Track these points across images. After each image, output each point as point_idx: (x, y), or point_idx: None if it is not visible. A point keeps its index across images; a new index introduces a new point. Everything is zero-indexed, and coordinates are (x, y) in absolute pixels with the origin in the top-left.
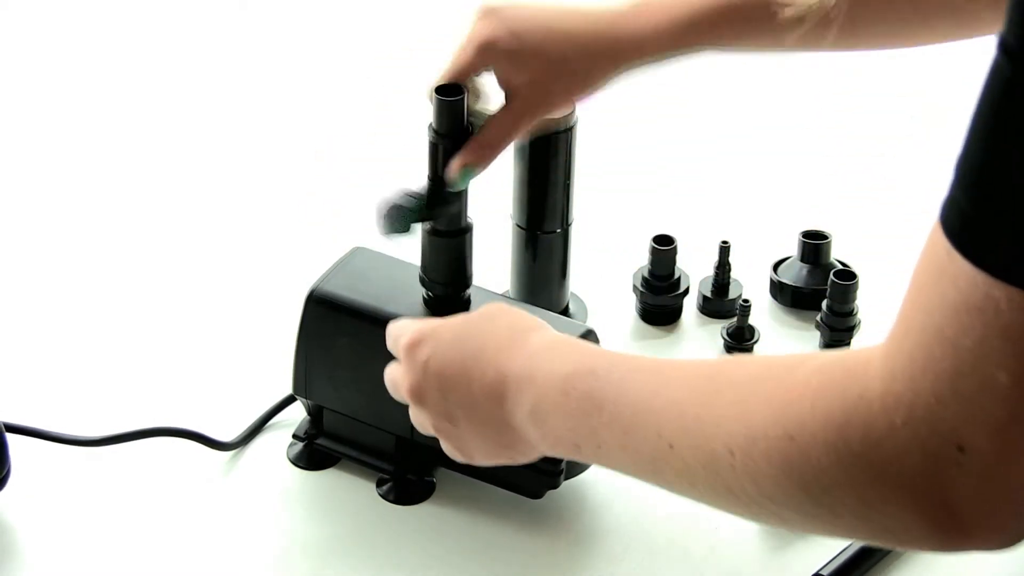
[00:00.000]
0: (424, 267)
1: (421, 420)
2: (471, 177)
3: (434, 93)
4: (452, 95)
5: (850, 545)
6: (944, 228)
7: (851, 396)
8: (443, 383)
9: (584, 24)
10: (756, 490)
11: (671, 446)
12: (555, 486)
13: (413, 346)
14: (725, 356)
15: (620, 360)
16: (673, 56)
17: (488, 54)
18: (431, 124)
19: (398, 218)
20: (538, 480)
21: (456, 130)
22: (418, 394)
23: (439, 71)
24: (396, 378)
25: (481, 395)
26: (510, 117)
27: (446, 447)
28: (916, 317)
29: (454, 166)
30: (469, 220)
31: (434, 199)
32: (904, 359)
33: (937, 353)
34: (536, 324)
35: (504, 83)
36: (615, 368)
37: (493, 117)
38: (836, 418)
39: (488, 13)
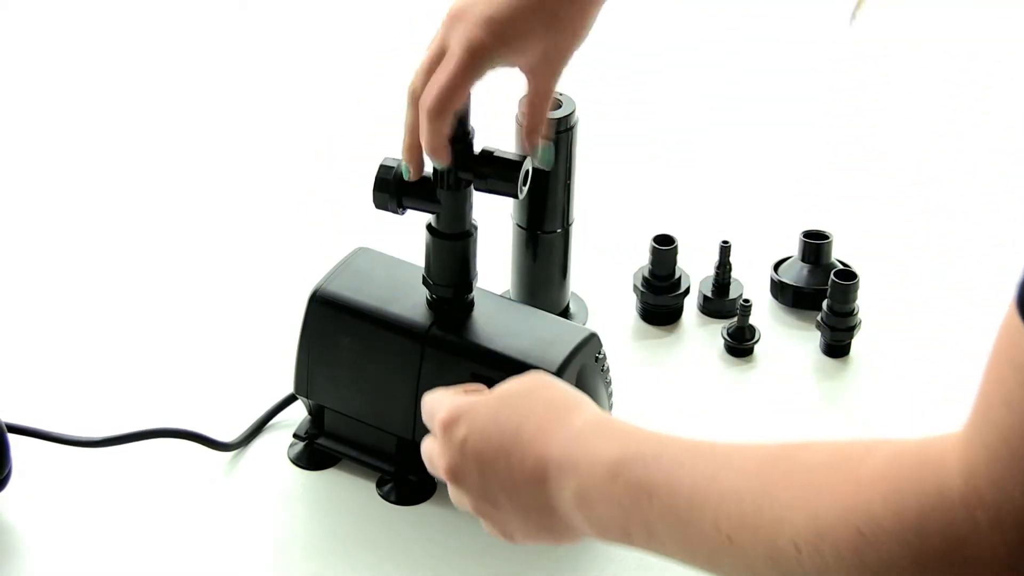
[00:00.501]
0: (427, 269)
1: (460, 499)
2: (550, 153)
3: None
4: None
5: None
6: (1022, 314)
7: (928, 490)
8: (482, 465)
9: None
10: None
11: (729, 539)
12: None
13: (449, 424)
14: (785, 441)
15: (669, 443)
16: None
17: (483, 60)
18: None
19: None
20: None
21: (459, 136)
22: (456, 475)
23: (439, 89)
24: (433, 456)
25: (522, 478)
26: (540, 91)
27: (486, 527)
28: (997, 409)
29: (534, 151)
30: (474, 222)
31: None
32: (985, 453)
33: (1022, 450)
34: (576, 401)
35: (518, 67)
36: (665, 452)
37: (529, 101)
38: (911, 513)
39: (457, 18)
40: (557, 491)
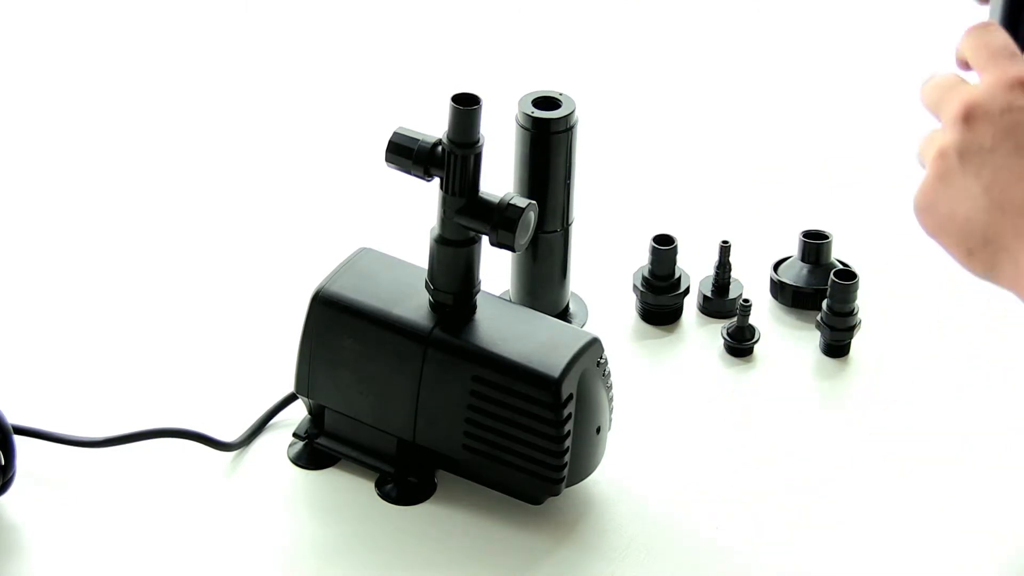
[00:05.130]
0: (431, 274)
1: (936, 140)
2: None
3: (450, 101)
4: (468, 104)
5: None
6: None
7: None
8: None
9: None
10: None
11: None
12: (556, 493)
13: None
14: None
15: None
16: None
17: None
18: (446, 132)
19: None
20: (539, 486)
21: (470, 140)
22: (973, 111)
23: None
24: (953, 82)
25: None
26: None
27: (924, 189)
28: None
29: None
30: None
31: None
32: None
33: None
34: None
35: None
36: None
37: None
38: None
39: None
40: None
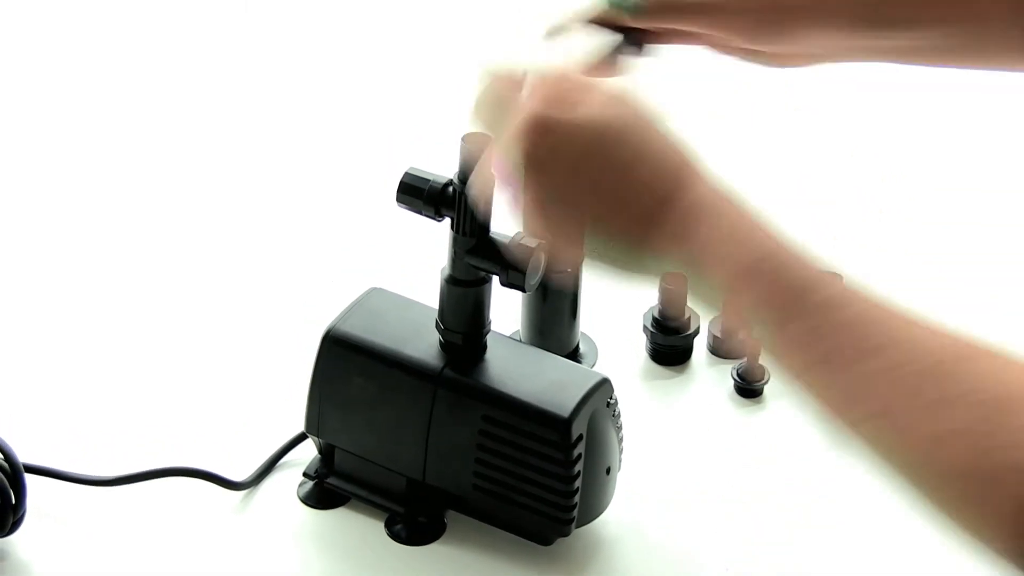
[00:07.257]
0: (441, 314)
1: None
2: None
3: (461, 141)
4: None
5: None
6: None
7: None
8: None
9: None
10: None
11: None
12: (566, 534)
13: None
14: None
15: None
16: None
17: None
18: (457, 173)
19: None
20: (549, 526)
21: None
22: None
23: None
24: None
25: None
26: None
27: (525, 196)
28: None
29: None
30: None
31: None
32: None
33: None
34: (688, 175)
35: None
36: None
37: None
38: None
39: None
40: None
